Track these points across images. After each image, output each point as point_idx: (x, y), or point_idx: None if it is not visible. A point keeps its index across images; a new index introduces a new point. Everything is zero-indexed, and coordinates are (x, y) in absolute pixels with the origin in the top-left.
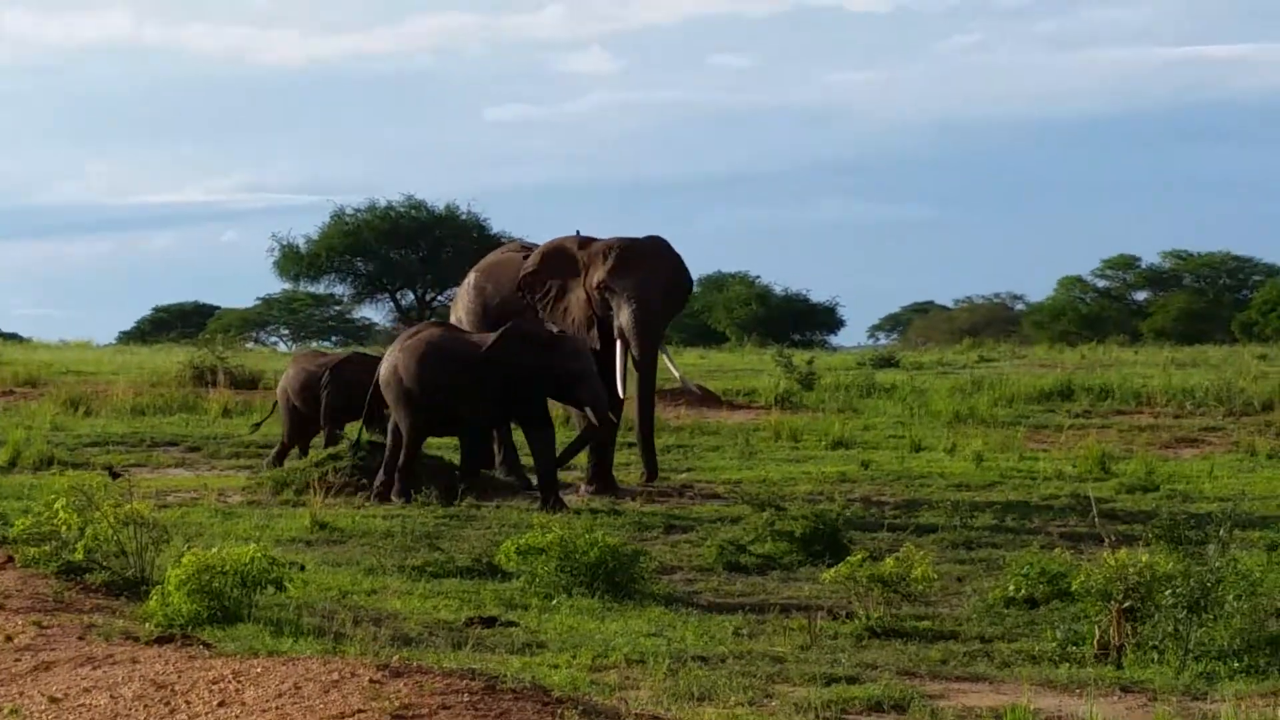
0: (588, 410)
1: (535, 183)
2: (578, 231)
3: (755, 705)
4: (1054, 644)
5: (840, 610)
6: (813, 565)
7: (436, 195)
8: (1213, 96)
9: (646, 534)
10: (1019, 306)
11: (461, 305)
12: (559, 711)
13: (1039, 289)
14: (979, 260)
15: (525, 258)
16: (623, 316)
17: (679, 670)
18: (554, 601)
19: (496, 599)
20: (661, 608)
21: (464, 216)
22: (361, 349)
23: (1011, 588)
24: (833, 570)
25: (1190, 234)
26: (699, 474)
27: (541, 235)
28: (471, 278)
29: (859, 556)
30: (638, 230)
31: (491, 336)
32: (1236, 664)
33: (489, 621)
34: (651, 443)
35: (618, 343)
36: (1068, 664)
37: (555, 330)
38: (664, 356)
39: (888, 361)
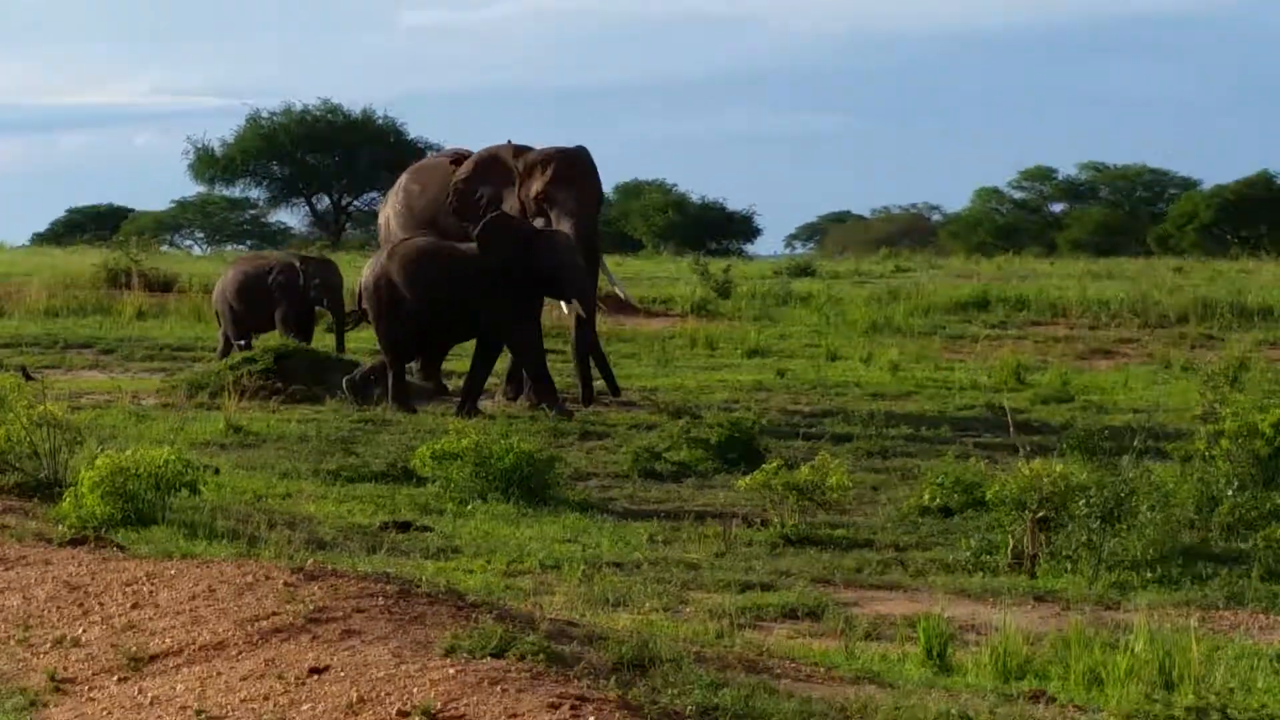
0: (574, 303)
1: (452, 88)
2: (509, 141)
3: (670, 611)
4: (968, 553)
5: (755, 518)
6: (728, 473)
7: (353, 100)
8: (1132, 9)
9: (562, 440)
10: (936, 217)
11: (390, 206)
12: (473, 615)
13: (956, 200)
14: (896, 170)
15: (456, 164)
16: (564, 228)
17: (594, 576)
18: (469, 507)
19: (411, 504)
20: (577, 514)
21: (380, 121)
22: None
23: (926, 497)
24: (748, 478)
25: (1107, 147)
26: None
27: (458, 140)
28: (402, 179)
29: (774, 464)
30: (556, 137)
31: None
32: (1149, 574)
33: (404, 526)
34: (600, 355)
35: None
36: (981, 573)
37: (537, 225)
38: (602, 270)
39: (804, 271)
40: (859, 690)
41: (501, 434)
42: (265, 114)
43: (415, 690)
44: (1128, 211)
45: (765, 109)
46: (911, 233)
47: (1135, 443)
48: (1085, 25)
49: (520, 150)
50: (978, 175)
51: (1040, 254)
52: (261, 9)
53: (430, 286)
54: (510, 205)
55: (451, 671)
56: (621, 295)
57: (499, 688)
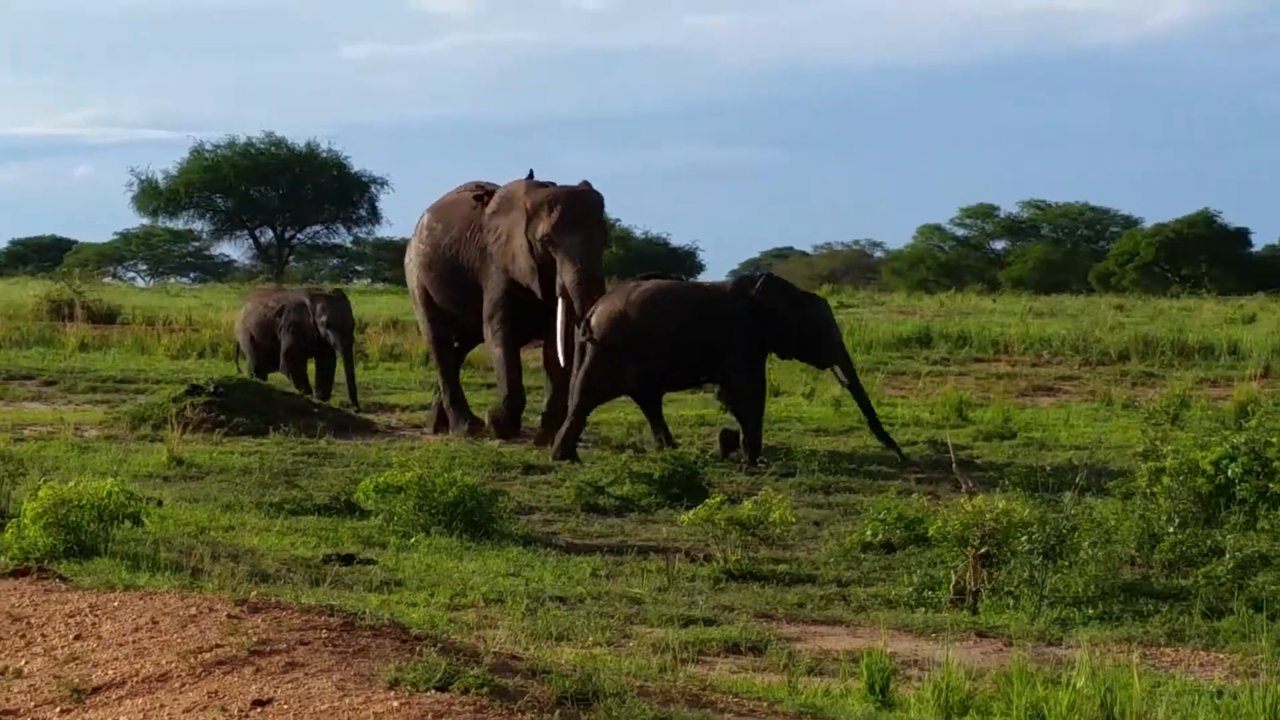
0: (836, 369)
1: (395, 121)
2: (530, 173)
3: (613, 645)
4: (910, 589)
5: (698, 553)
6: (671, 508)
7: (294, 132)
8: (1072, 46)
9: (505, 474)
10: (878, 253)
11: (413, 248)
12: (417, 649)
13: (898, 236)
14: (839, 207)
15: (477, 198)
16: (566, 275)
17: (537, 610)
18: (412, 540)
19: (354, 537)
20: (520, 548)
21: (324, 154)
22: (318, 287)
23: (869, 532)
24: (691, 513)
25: (1049, 184)
26: None
27: (403, 174)
28: (425, 218)
29: (717, 499)
30: (498, 171)
31: (729, 284)
32: (1091, 610)
33: (347, 559)
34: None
35: (560, 300)
36: (924, 609)
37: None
38: None
39: None
40: None
41: (445, 467)
42: (209, 146)
43: None
44: (1069, 249)
45: (708, 143)
46: (854, 269)
47: (1077, 480)
48: (1027, 63)
49: (534, 186)
50: (920, 212)
51: (982, 291)
52: (203, 40)
53: (676, 328)
54: (519, 243)
55: (395, 704)
56: None
57: None
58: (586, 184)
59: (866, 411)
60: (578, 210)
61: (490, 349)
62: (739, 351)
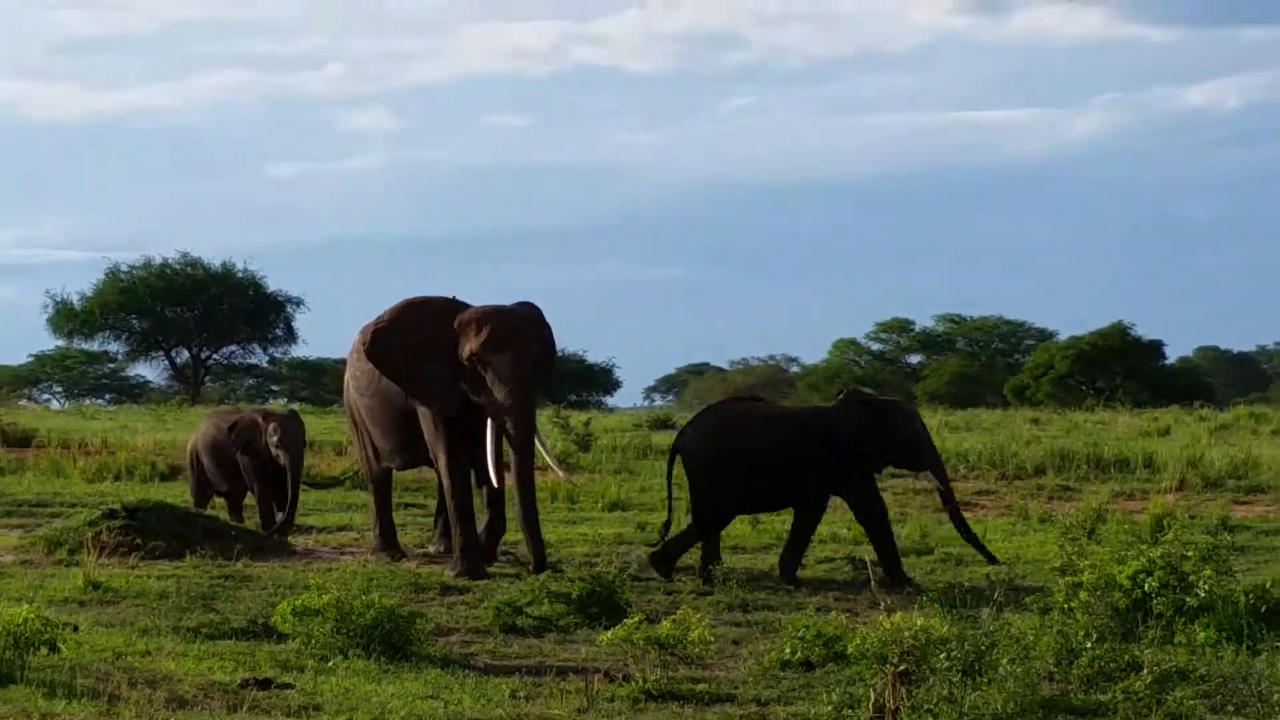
0: (930, 474)
1: (315, 240)
2: (453, 296)
3: None
4: (829, 707)
5: (617, 673)
6: (589, 627)
7: (216, 252)
8: (984, 160)
9: (423, 595)
10: (794, 368)
11: (349, 369)
12: None
13: (814, 351)
14: (754, 322)
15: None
16: (498, 395)
17: None
18: (330, 663)
19: (272, 660)
20: (438, 670)
21: (240, 275)
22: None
23: (787, 650)
24: (609, 632)
25: (963, 298)
26: None
27: (321, 293)
28: (356, 339)
29: (636, 619)
30: (417, 287)
31: (817, 408)
32: None
33: (264, 683)
34: (537, 528)
35: (489, 423)
36: None
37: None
38: (538, 441)
39: (664, 423)
40: None
41: (362, 589)
42: (125, 267)
43: None
44: (984, 362)
45: (624, 261)
46: (770, 384)
47: (994, 595)
48: (941, 176)
49: (457, 306)
50: (835, 327)
51: None
52: (124, 162)
53: (757, 444)
54: (440, 365)
55: None
56: (557, 466)
57: None
58: (527, 303)
59: (957, 521)
60: (507, 329)
61: (438, 478)
62: (847, 472)
